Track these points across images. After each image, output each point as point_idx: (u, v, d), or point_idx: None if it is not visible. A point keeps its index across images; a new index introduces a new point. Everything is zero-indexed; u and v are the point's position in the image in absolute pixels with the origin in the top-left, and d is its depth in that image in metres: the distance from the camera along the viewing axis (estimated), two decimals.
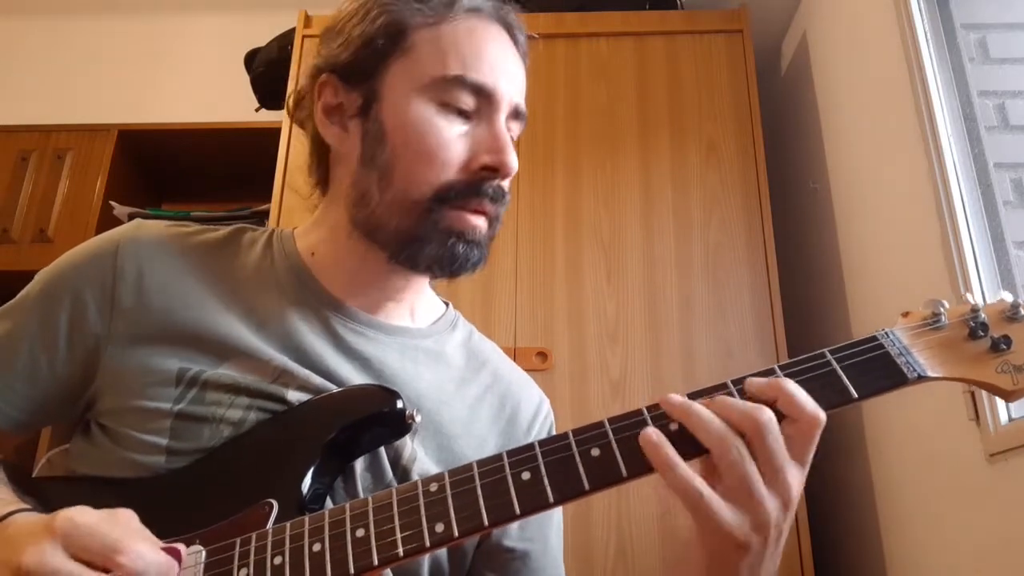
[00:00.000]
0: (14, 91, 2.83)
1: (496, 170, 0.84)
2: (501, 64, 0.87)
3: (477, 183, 0.84)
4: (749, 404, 0.64)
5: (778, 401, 0.64)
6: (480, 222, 0.85)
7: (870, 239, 1.91)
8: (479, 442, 0.92)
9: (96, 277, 0.86)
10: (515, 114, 0.88)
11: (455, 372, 0.95)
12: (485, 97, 0.85)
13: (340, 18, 0.90)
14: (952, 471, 1.50)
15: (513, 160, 0.84)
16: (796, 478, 0.63)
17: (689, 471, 0.63)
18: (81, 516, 0.64)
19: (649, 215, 2.04)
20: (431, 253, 0.85)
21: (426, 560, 0.85)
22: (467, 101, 0.84)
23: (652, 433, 0.65)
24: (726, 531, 0.62)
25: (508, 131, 0.88)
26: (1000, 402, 1.36)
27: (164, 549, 0.66)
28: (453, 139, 0.84)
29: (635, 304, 1.96)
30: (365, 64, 0.87)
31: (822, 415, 0.64)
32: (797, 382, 0.67)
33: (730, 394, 0.67)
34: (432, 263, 0.86)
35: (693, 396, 0.67)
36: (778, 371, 0.68)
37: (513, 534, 0.92)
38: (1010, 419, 1.35)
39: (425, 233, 0.84)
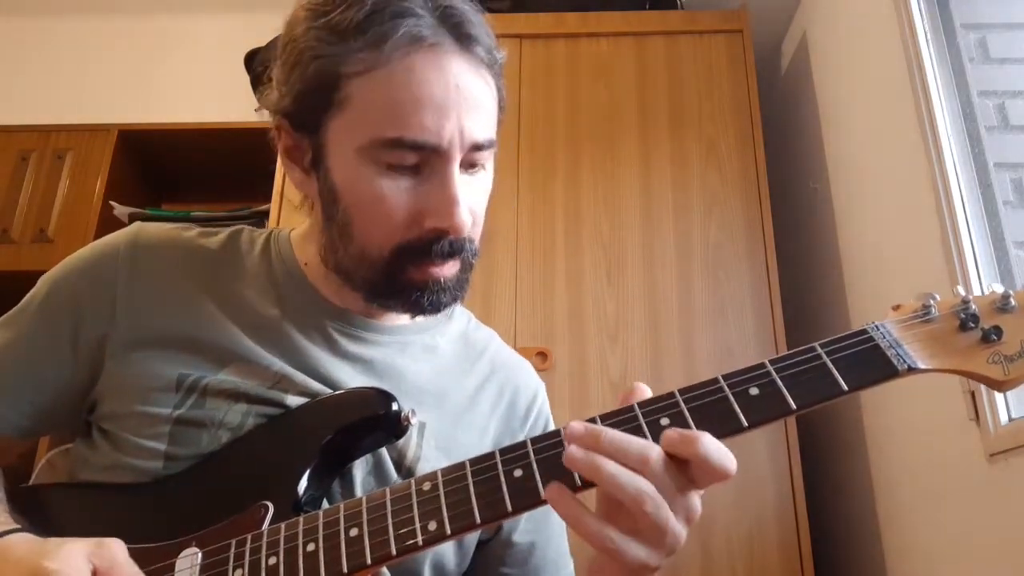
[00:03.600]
0: (14, 91, 2.82)
1: (446, 231, 0.80)
2: (449, 103, 0.77)
3: (428, 243, 0.80)
4: (636, 446, 0.62)
5: (691, 463, 0.62)
6: (443, 271, 0.82)
7: (870, 239, 1.91)
8: (480, 431, 0.93)
9: (99, 281, 0.86)
10: (475, 147, 0.80)
11: (453, 363, 0.96)
12: (430, 151, 0.77)
13: (283, 46, 0.83)
14: (952, 471, 1.49)
15: (462, 220, 0.79)
16: (675, 537, 0.62)
17: (597, 521, 0.62)
18: (65, 569, 0.63)
19: (649, 215, 2.04)
20: (399, 303, 0.85)
21: (428, 556, 0.85)
22: (411, 158, 0.78)
23: (554, 488, 0.63)
24: (637, 564, 0.62)
25: (475, 162, 0.82)
26: (1000, 402, 1.35)
27: None
28: (400, 200, 0.79)
29: (635, 304, 1.96)
30: (306, 115, 0.81)
31: (731, 468, 0.62)
32: (788, 375, 0.66)
33: (634, 419, 0.66)
34: (403, 310, 0.86)
35: (605, 418, 0.67)
36: (768, 365, 0.67)
37: (519, 527, 0.93)
38: (1010, 419, 1.35)
39: (390, 287, 0.83)
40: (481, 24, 0.82)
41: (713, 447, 0.62)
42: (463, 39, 0.80)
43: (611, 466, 0.61)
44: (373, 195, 0.79)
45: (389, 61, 0.76)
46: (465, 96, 0.79)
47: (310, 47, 0.79)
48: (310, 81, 0.79)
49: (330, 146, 0.81)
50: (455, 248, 0.81)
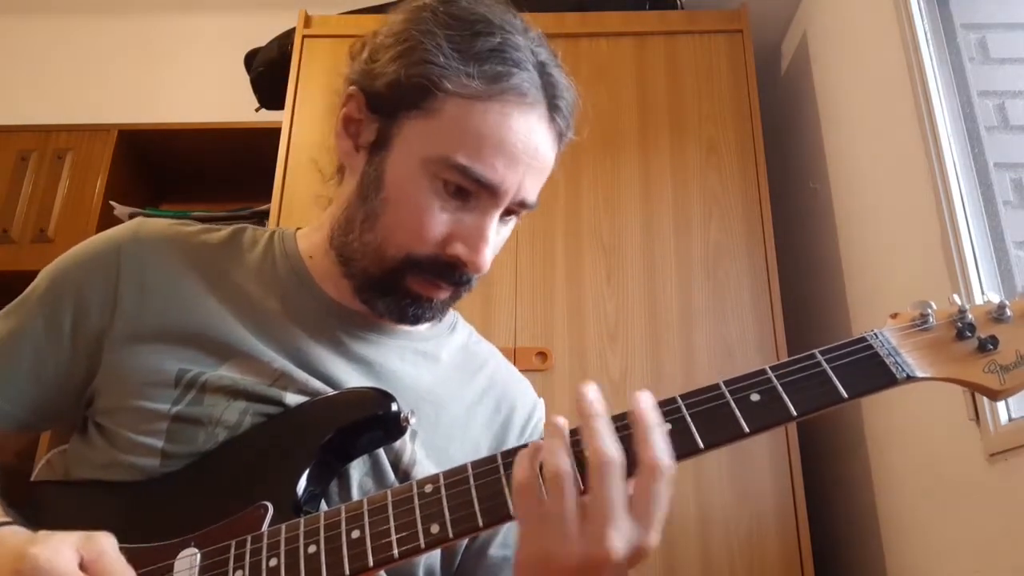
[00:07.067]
0: (14, 91, 2.82)
1: (465, 265, 0.83)
2: (522, 158, 0.82)
3: (445, 266, 0.83)
4: (605, 439, 0.62)
5: (633, 437, 0.63)
6: (440, 293, 0.86)
7: (870, 239, 1.91)
8: (473, 445, 0.92)
9: (99, 275, 0.86)
10: (521, 204, 0.85)
11: (453, 374, 0.96)
12: (487, 189, 0.81)
13: (393, 31, 0.85)
14: (952, 471, 1.50)
15: (484, 261, 0.83)
16: (622, 535, 0.60)
17: (533, 469, 0.63)
18: (45, 557, 0.63)
19: (649, 215, 2.04)
20: (386, 304, 0.86)
21: (421, 559, 0.85)
22: (468, 186, 0.81)
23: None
24: (533, 544, 0.63)
25: (512, 212, 0.86)
26: (1000, 402, 1.35)
27: None
28: (440, 219, 0.82)
29: (635, 304, 1.96)
30: (389, 103, 0.84)
31: (663, 464, 0.62)
32: (788, 382, 0.67)
33: (625, 427, 0.66)
34: (385, 312, 0.87)
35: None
36: (769, 372, 0.68)
37: (496, 541, 0.92)
38: (1010, 419, 1.35)
39: (386, 287, 0.85)
40: (570, 101, 0.88)
41: (656, 432, 0.63)
42: (553, 108, 0.85)
43: (556, 440, 0.64)
44: (418, 203, 0.82)
45: (491, 99, 0.81)
46: (537, 159, 0.84)
47: (426, 49, 0.81)
48: (412, 78, 0.81)
49: (397, 140, 0.84)
50: (463, 279, 0.85)
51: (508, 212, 0.86)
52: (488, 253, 0.83)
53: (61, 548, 0.64)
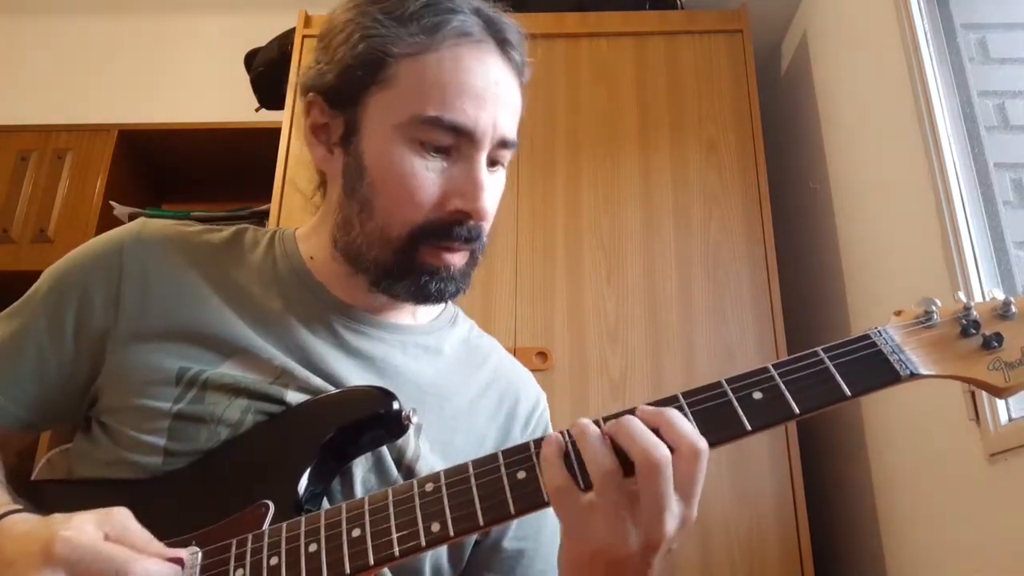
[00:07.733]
0: (14, 91, 2.83)
1: (468, 215, 0.83)
2: (487, 95, 0.83)
3: (450, 225, 0.83)
4: (650, 439, 0.63)
5: (660, 429, 0.64)
6: (455, 259, 0.86)
7: (870, 239, 1.91)
8: (479, 437, 0.93)
9: (102, 275, 0.87)
10: (502, 143, 0.85)
11: (456, 368, 0.96)
12: (465, 136, 0.82)
13: (330, 29, 0.87)
14: (952, 471, 1.50)
15: (486, 205, 0.83)
16: (674, 518, 0.63)
17: (563, 471, 0.65)
18: (80, 536, 0.64)
19: (649, 215, 2.04)
20: (406, 287, 0.86)
21: (427, 557, 0.85)
22: (445, 139, 0.82)
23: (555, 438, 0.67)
24: (587, 542, 0.64)
25: (497, 160, 0.87)
26: (1000, 402, 1.35)
27: (167, 558, 0.67)
28: (429, 179, 0.82)
29: (635, 304, 1.96)
30: (346, 91, 0.85)
31: (701, 445, 0.63)
32: (791, 380, 0.67)
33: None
34: (408, 296, 0.87)
35: (609, 419, 0.67)
36: (771, 370, 0.68)
37: (509, 533, 0.93)
38: (1010, 419, 1.35)
39: (400, 269, 0.85)
40: (519, 37, 0.89)
41: (681, 418, 0.65)
42: (503, 43, 0.87)
43: (595, 441, 0.64)
44: (403, 171, 0.82)
45: (439, 48, 0.82)
46: (502, 94, 0.85)
47: (364, 27, 0.83)
48: (359, 57, 0.83)
49: (365, 121, 0.85)
50: (473, 234, 0.85)
51: (492, 162, 0.86)
52: (487, 198, 0.83)
53: (85, 527, 0.65)
